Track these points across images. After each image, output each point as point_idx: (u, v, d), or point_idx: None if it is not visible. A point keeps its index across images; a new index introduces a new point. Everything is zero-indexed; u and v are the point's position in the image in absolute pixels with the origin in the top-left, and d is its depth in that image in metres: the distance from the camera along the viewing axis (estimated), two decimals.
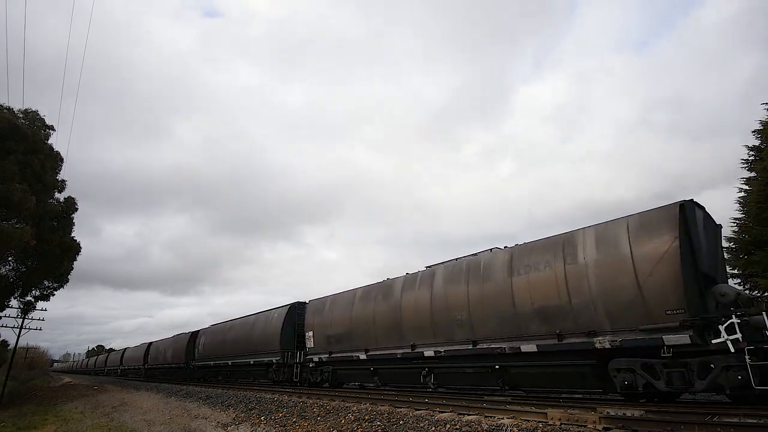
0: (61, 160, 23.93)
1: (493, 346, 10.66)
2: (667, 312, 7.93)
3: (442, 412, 8.90)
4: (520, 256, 10.65)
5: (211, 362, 27.34)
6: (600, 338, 8.75)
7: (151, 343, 42.17)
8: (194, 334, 31.60)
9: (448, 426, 7.73)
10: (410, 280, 13.93)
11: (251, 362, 21.99)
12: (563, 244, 9.81)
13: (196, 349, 30.35)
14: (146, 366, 41.53)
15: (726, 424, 5.99)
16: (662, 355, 8.08)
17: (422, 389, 13.30)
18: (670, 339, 7.88)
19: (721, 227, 10.40)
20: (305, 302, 19.79)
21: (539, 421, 7.23)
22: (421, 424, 8.09)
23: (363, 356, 14.73)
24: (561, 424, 6.97)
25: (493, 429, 7.14)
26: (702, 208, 9.58)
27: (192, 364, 30.55)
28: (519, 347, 10.08)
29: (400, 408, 9.88)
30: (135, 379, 42.90)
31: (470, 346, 11.20)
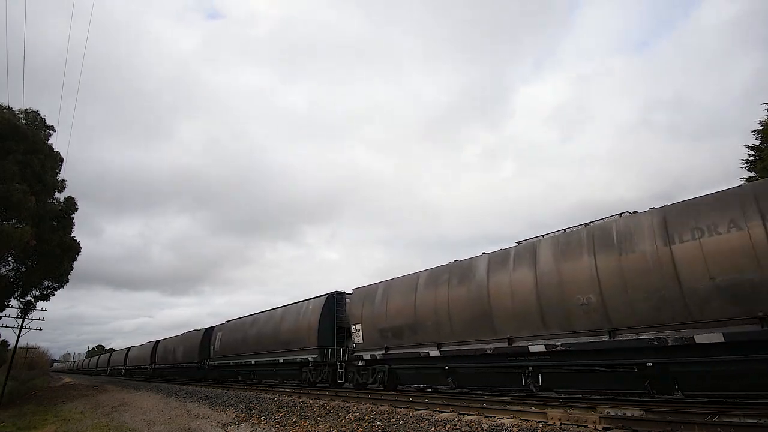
0: (61, 160, 23.95)
1: (644, 336, 8.33)
2: None
3: (442, 412, 8.90)
4: (680, 217, 8.39)
5: (230, 361, 24.95)
6: None
7: (159, 341, 39.99)
8: (209, 331, 29.41)
9: (448, 426, 7.73)
10: (498, 258, 11.61)
11: (280, 361, 19.58)
12: (755, 197, 7.64)
13: (211, 346, 28.06)
14: (154, 366, 39.32)
15: (726, 424, 5.99)
16: None
17: (520, 391, 11.03)
18: None
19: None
20: (344, 291, 18.24)
21: (539, 421, 7.23)
22: (421, 424, 8.09)
23: (434, 353, 12.43)
24: (561, 424, 6.97)
25: (493, 429, 7.14)
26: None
27: (207, 363, 28.30)
28: (691, 337, 7.74)
29: (400, 408, 9.87)
30: (141, 379, 40.91)
31: (605, 338, 8.90)
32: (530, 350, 10.17)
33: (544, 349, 9.89)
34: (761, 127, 17.41)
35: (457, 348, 11.95)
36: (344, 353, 16.41)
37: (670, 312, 8.11)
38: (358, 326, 15.51)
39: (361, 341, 15.28)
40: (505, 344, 10.67)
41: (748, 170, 17.89)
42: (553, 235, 10.82)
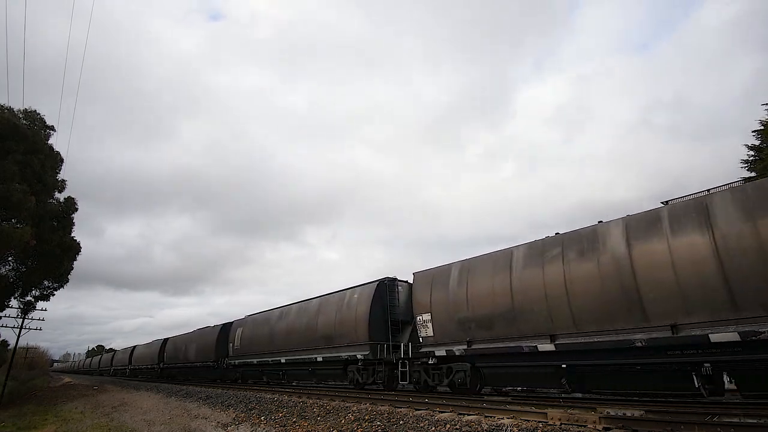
0: (61, 160, 23.95)
1: None
2: None
3: (442, 412, 8.90)
4: None
5: (254, 360, 22.38)
6: None
7: (167, 339, 37.68)
8: (226, 327, 27.15)
9: (448, 426, 7.73)
10: (642, 223, 9.05)
11: (317, 359, 17.15)
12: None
13: (229, 344, 25.51)
14: (162, 365, 36.82)
15: (726, 424, 5.99)
16: None
17: (693, 395, 8.54)
18: None
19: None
20: (395, 278, 16.20)
21: (539, 421, 7.23)
22: (421, 424, 8.09)
23: (545, 346, 9.94)
24: (561, 424, 6.97)
25: (493, 429, 7.14)
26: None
27: (225, 362, 25.82)
28: None
29: (400, 408, 9.87)
30: (148, 380, 38.64)
31: None
32: (711, 340, 7.64)
33: (738, 339, 7.29)
34: (761, 127, 17.41)
35: (582, 341, 9.37)
36: (404, 349, 14.17)
37: None
38: (426, 317, 13.10)
39: (431, 334, 12.85)
40: (668, 332, 8.10)
41: (748, 170, 17.89)
42: (732, 187, 8.34)
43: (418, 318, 13.51)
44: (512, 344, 10.78)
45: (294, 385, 20.03)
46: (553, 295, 10.04)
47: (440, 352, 12.62)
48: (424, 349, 13.17)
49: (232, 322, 26.65)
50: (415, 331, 14.11)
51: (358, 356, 15.02)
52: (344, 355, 15.71)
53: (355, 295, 16.25)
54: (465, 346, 11.88)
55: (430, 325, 13.09)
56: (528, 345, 10.40)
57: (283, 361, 19.65)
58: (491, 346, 11.30)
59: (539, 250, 10.79)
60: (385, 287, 15.73)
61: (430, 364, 13.06)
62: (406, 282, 16.09)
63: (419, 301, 13.72)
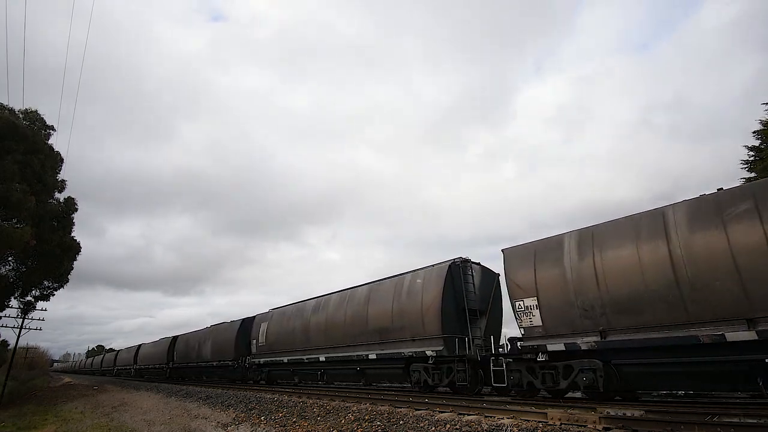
0: (61, 160, 23.97)
1: None
2: None
3: (442, 412, 8.90)
4: None
5: (284, 358, 19.83)
6: None
7: (177, 336, 35.51)
8: (247, 322, 24.66)
9: (448, 426, 7.73)
10: None
11: (370, 356, 14.65)
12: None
13: (252, 341, 23.06)
14: (172, 365, 34.60)
15: (726, 424, 5.99)
16: None
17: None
18: None
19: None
20: (468, 258, 13.90)
21: (539, 421, 7.23)
22: (421, 424, 8.09)
23: (739, 335, 7.47)
24: (561, 424, 6.97)
25: (493, 429, 7.14)
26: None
27: (247, 361, 23.43)
28: None
29: (400, 408, 9.87)
30: (154, 380, 36.32)
31: None
32: None
33: None
34: (762, 127, 17.41)
35: None
36: (493, 344, 12.29)
37: None
38: (529, 302, 10.66)
39: (538, 323, 10.44)
40: None
41: (748, 170, 17.89)
42: None
43: (516, 304, 10.92)
44: (679, 333, 8.19)
45: (335, 386, 17.92)
46: (749, 264, 7.52)
47: (555, 346, 10.02)
48: (528, 343, 10.52)
49: (254, 317, 24.12)
50: (492, 322, 12.96)
51: (428, 353, 12.64)
52: (407, 351, 13.33)
53: (419, 280, 13.80)
54: (596, 338, 9.33)
55: (536, 312, 10.47)
56: (708, 334, 7.82)
57: (322, 359, 17.09)
58: (640, 336, 8.68)
59: (713, 207, 8.27)
60: (459, 269, 13.36)
61: (539, 361, 10.39)
62: (479, 264, 14.23)
63: (518, 282, 11.04)
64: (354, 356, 15.35)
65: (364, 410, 10.06)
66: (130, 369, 47.29)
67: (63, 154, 23.80)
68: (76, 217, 24.87)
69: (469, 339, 12.49)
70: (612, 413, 7.40)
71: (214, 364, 26.81)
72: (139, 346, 46.46)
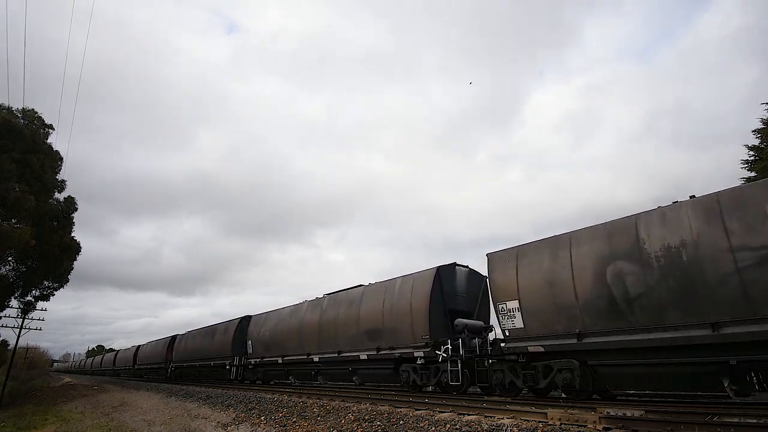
0: (61, 159, 23.98)
1: None
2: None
3: (442, 412, 8.90)
4: None
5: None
6: None
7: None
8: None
9: (448, 426, 7.73)
10: None
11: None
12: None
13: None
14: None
15: (726, 424, 5.99)
16: None
17: None
18: None
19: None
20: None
21: (539, 421, 7.22)
22: (421, 424, 8.09)
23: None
24: (561, 424, 6.97)
25: (493, 429, 7.14)
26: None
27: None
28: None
29: (400, 408, 9.87)
30: (155, 380, 35.50)
31: None
32: None
33: None
34: (762, 126, 17.40)
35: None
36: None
37: None
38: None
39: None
40: None
41: (748, 170, 17.89)
42: None
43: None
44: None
45: (327, 386, 18.01)
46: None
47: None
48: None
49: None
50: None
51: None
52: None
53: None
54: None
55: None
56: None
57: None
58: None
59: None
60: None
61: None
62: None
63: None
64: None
65: (364, 410, 10.05)
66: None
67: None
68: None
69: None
70: (612, 413, 7.40)
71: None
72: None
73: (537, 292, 10.50)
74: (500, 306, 11.19)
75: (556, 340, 10.02)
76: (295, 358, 18.76)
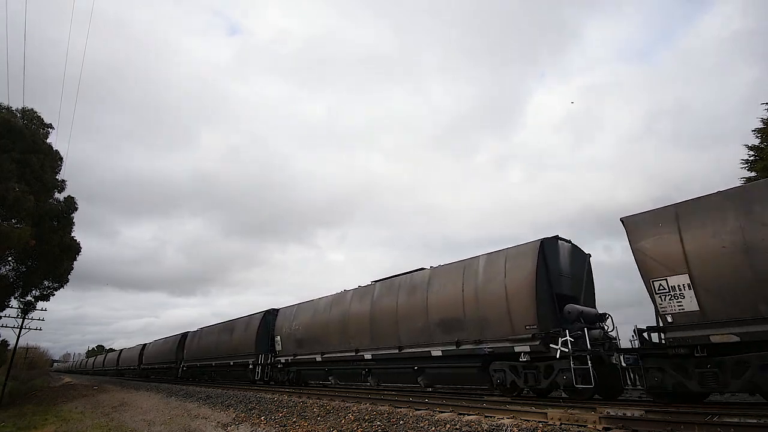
0: (61, 159, 23.97)
1: None
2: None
3: (442, 412, 8.90)
4: None
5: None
6: None
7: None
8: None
9: (448, 426, 7.73)
10: None
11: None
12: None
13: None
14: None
15: (726, 424, 5.99)
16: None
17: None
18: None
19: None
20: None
21: (539, 421, 7.23)
22: (421, 424, 8.09)
23: None
24: (561, 424, 6.97)
25: (493, 429, 7.14)
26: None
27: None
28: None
29: (400, 408, 9.88)
30: (164, 381, 33.22)
31: None
32: None
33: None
34: (762, 126, 17.40)
35: None
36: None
37: None
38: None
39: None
40: None
41: (748, 170, 17.89)
42: None
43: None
44: None
45: (384, 387, 15.62)
46: None
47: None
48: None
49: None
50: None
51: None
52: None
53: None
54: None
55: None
56: None
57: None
58: None
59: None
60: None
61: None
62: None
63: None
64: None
65: (364, 410, 10.05)
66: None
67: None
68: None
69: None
70: (612, 413, 7.40)
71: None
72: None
73: (721, 262, 7.85)
74: (657, 284, 8.61)
75: (762, 325, 7.29)
76: (338, 355, 16.37)
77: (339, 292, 18.05)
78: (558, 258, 11.46)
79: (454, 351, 12.01)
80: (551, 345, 9.98)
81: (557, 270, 11.28)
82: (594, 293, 12.38)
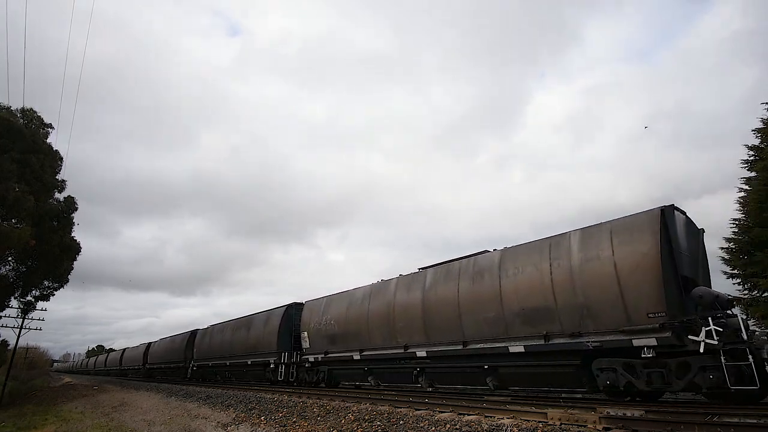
0: (61, 159, 23.98)
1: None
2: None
3: (442, 412, 8.90)
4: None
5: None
6: None
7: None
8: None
9: (448, 426, 7.73)
10: None
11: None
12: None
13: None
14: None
15: (726, 424, 5.99)
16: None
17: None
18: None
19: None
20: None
21: (539, 421, 7.23)
22: (421, 424, 8.09)
23: None
24: (561, 424, 6.97)
25: (493, 429, 7.14)
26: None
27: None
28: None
29: (400, 408, 9.88)
30: (169, 381, 31.94)
31: None
32: None
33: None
34: (762, 126, 17.38)
35: None
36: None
37: None
38: None
39: None
40: None
41: (748, 170, 17.86)
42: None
43: None
44: None
45: (384, 387, 14.87)
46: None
47: None
48: None
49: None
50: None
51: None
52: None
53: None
54: None
55: None
56: None
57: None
58: None
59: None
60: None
61: None
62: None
63: None
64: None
65: (364, 410, 10.06)
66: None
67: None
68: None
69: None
70: (612, 413, 7.40)
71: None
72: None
73: None
74: None
75: None
76: (382, 353, 14.41)
77: (377, 281, 16.14)
78: (675, 231, 9.40)
79: (541, 347, 9.95)
80: (690, 337, 7.99)
81: (678, 246, 9.25)
82: (709, 275, 10.50)
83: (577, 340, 9.36)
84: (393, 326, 14.08)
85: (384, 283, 15.48)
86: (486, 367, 11.40)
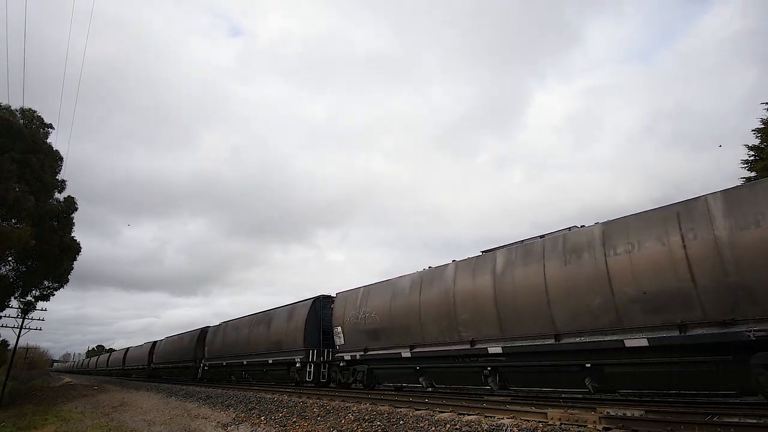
0: (61, 159, 23.99)
1: None
2: None
3: (442, 412, 8.90)
4: None
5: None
6: None
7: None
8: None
9: (448, 426, 7.73)
10: None
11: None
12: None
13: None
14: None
15: (726, 424, 5.99)
16: None
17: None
18: None
19: None
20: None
21: (539, 421, 7.22)
22: (421, 424, 8.09)
23: None
24: (561, 424, 6.97)
25: (493, 429, 7.14)
26: None
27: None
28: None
29: (400, 408, 9.87)
30: (179, 382, 29.76)
31: None
32: None
33: None
34: (762, 126, 17.40)
35: None
36: None
37: None
38: None
39: None
40: None
41: (748, 170, 17.89)
42: None
43: None
44: None
45: (384, 387, 13.82)
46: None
47: None
48: None
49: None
50: None
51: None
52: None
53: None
54: None
55: None
56: None
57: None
58: None
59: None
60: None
61: None
62: None
63: None
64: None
65: (364, 410, 10.05)
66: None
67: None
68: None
69: None
70: (612, 413, 7.40)
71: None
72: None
73: None
74: None
75: None
76: (440, 349, 12.30)
77: (431, 267, 13.97)
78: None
79: (675, 339, 7.88)
80: None
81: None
82: None
83: (731, 330, 7.28)
84: (454, 318, 12.01)
85: (437, 270, 13.36)
86: (588, 365, 9.28)
